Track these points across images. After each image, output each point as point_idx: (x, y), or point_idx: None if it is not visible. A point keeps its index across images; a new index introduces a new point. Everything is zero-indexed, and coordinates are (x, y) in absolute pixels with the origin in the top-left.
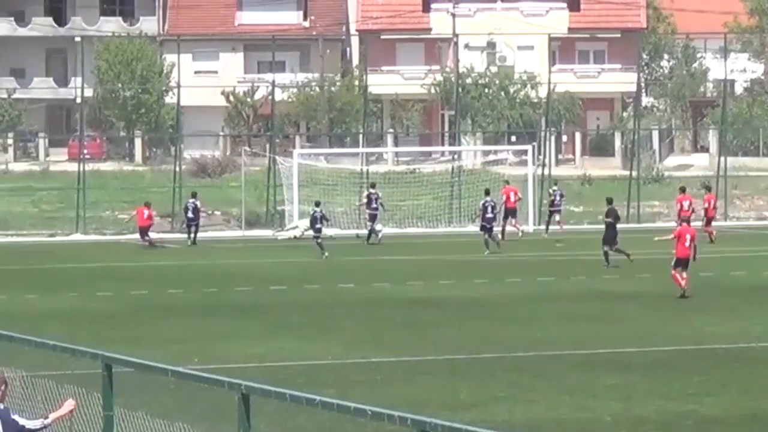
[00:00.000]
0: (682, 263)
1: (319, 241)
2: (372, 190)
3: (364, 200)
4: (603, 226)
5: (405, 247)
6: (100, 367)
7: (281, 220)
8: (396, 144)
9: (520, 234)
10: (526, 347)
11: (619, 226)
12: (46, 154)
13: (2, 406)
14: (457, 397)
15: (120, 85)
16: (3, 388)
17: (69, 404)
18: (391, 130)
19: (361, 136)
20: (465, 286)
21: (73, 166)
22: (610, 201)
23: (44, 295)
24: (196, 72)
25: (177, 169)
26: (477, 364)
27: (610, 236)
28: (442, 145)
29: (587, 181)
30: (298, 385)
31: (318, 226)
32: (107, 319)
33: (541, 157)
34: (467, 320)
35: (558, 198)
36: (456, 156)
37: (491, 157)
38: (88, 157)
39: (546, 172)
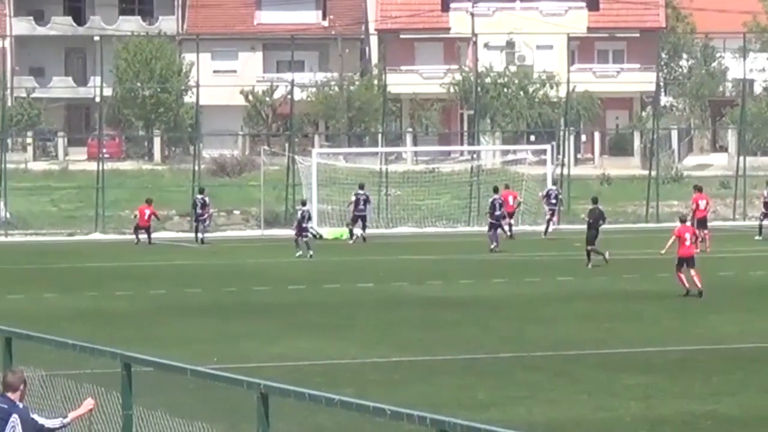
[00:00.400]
0: (685, 261)
1: (306, 240)
2: (360, 192)
3: (353, 199)
4: (624, 226)
5: (424, 247)
6: (119, 366)
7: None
8: (415, 143)
9: (507, 235)
10: (546, 347)
11: (638, 225)
12: (65, 154)
13: (21, 405)
14: (476, 396)
15: (139, 84)
16: (22, 387)
17: (88, 403)
18: (410, 130)
19: (380, 135)
20: (484, 285)
21: (92, 166)
22: (594, 200)
23: (63, 295)
24: (215, 71)
25: (196, 168)
26: (496, 363)
27: (591, 235)
28: (461, 144)
29: (606, 180)
30: (316, 385)
31: (305, 225)
32: (126, 318)
33: (560, 157)
34: (486, 320)
35: (554, 197)
36: (475, 155)
37: (510, 157)
38: (107, 156)
39: (565, 171)
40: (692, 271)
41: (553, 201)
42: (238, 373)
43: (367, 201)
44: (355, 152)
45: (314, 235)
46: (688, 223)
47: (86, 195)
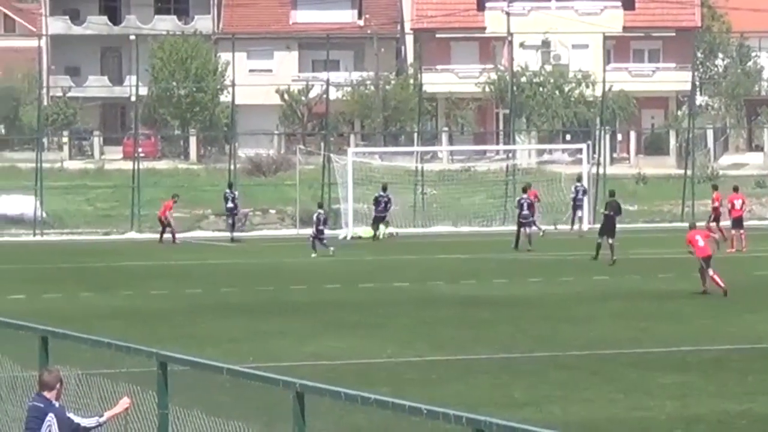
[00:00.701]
0: (705, 262)
1: (325, 241)
2: (382, 193)
3: (373, 201)
4: (659, 225)
5: (459, 246)
6: (155, 365)
7: (336, 219)
8: (450, 142)
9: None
10: (581, 346)
11: (673, 224)
12: (101, 153)
13: (57, 405)
14: (512, 395)
15: (174, 83)
16: (58, 386)
17: (124, 402)
18: (446, 129)
19: (415, 134)
20: (519, 284)
21: (127, 165)
22: (612, 193)
23: (99, 294)
24: (250, 70)
25: (232, 167)
26: (531, 362)
27: (607, 227)
28: (497, 143)
29: (642, 180)
30: (352, 384)
31: (321, 227)
32: (162, 317)
33: (596, 156)
34: (521, 319)
35: (580, 194)
36: (510, 155)
37: (546, 156)
38: (142, 155)
39: (601, 171)
40: (710, 271)
41: (580, 198)
42: (273, 372)
43: (388, 203)
44: (391, 151)
45: (353, 237)
46: (700, 225)
47: (122, 194)
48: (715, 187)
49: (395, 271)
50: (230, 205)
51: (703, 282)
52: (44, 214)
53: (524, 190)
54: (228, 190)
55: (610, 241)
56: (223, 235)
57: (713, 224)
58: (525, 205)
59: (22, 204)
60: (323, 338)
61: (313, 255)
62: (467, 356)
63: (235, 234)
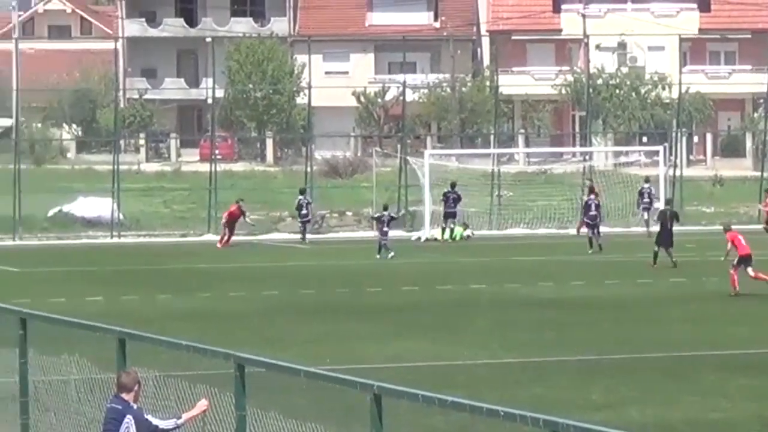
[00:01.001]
0: (744, 261)
1: (387, 243)
2: (450, 190)
3: (441, 199)
4: (736, 227)
5: (536, 248)
6: (233, 367)
7: (413, 221)
8: (527, 144)
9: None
10: (658, 348)
11: (750, 226)
12: (178, 155)
13: (135, 406)
14: (589, 397)
15: (251, 85)
16: (136, 388)
17: (202, 404)
18: (522, 131)
19: (492, 136)
20: (596, 286)
21: (204, 167)
22: (667, 202)
23: (176, 296)
24: (326, 72)
25: (308, 169)
26: (608, 364)
27: (663, 238)
28: (573, 145)
29: (718, 182)
30: (429, 386)
31: (385, 229)
32: (239, 319)
33: (673, 158)
34: (598, 321)
35: (646, 196)
36: (587, 157)
37: (622, 158)
38: (219, 157)
39: (677, 173)
40: (750, 270)
41: (647, 200)
42: (350, 374)
43: (457, 200)
44: (467, 153)
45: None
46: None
47: (198, 196)
48: None
49: (472, 274)
50: (304, 212)
51: (734, 284)
52: (121, 216)
53: (591, 191)
54: (301, 197)
55: (669, 250)
56: (299, 237)
57: None
58: (593, 206)
59: (100, 206)
60: (400, 340)
61: (377, 256)
62: (544, 358)
63: (309, 236)
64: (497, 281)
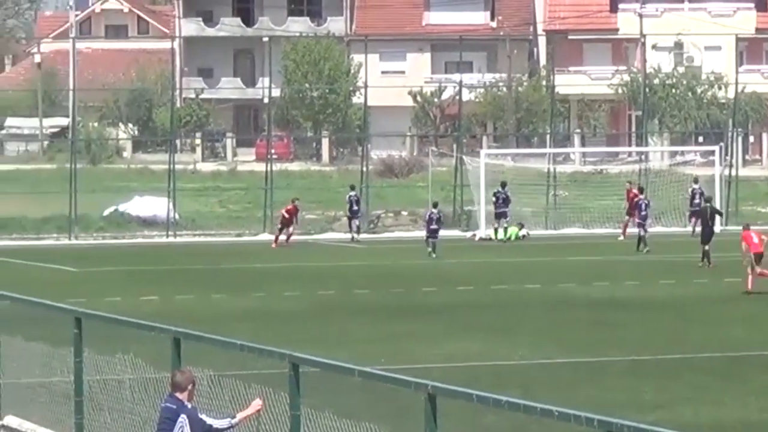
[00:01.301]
0: (756, 258)
1: (434, 241)
2: (500, 189)
3: (493, 199)
4: None
5: (591, 248)
6: (287, 367)
7: (468, 221)
8: (583, 144)
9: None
10: (713, 348)
11: None
12: (234, 154)
13: (190, 406)
14: (643, 397)
15: (307, 85)
16: (190, 387)
17: (256, 404)
18: (578, 131)
19: (548, 136)
20: (651, 286)
21: (260, 166)
22: (707, 200)
23: (231, 295)
24: (383, 72)
25: (364, 169)
26: (662, 364)
27: (704, 234)
28: (629, 145)
29: None
30: (484, 386)
31: (433, 227)
32: (294, 319)
33: (728, 158)
34: (653, 321)
35: (698, 197)
36: (643, 157)
37: (678, 158)
38: (275, 157)
39: (733, 173)
40: (758, 268)
41: (697, 201)
42: (405, 374)
43: (506, 200)
44: (523, 153)
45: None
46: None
47: (254, 196)
48: None
49: (527, 273)
50: (355, 207)
51: (746, 282)
52: (177, 216)
53: (641, 191)
54: (352, 192)
55: (706, 247)
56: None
57: None
58: (642, 205)
59: (156, 205)
60: (455, 340)
61: (433, 255)
62: (598, 358)
63: (364, 236)
64: (552, 281)
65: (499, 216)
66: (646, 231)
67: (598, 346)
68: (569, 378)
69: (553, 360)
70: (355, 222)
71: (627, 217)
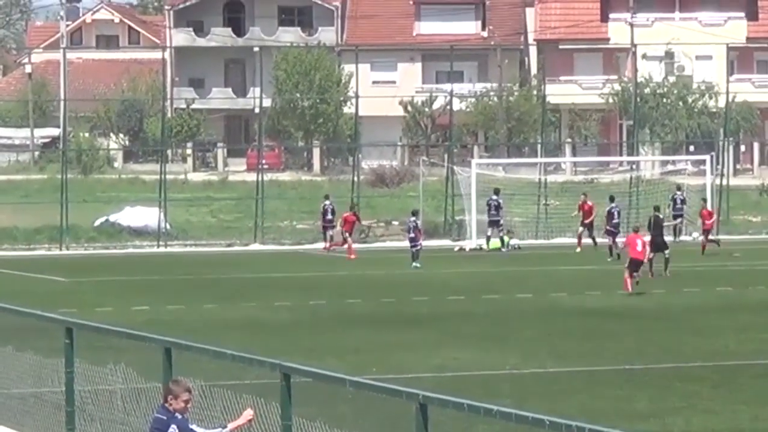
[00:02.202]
0: (633, 264)
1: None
2: (494, 197)
3: (486, 207)
4: None
5: (582, 257)
6: (279, 376)
7: (459, 230)
8: (574, 154)
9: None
10: (705, 357)
11: None
12: (225, 164)
13: (181, 416)
14: (635, 407)
15: (298, 95)
16: (186, 397)
17: (247, 414)
18: (569, 140)
19: (539, 145)
20: (643, 296)
21: (251, 176)
22: (656, 209)
23: (222, 305)
24: (374, 82)
25: (355, 179)
26: (655, 374)
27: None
28: (621, 155)
29: (765, 190)
30: (475, 395)
31: (411, 235)
32: (285, 329)
33: (720, 167)
34: (645, 330)
35: (679, 203)
36: (634, 166)
37: (669, 168)
38: (266, 167)
39: (724, 182)
40: (635, 275)
41: (678, 206)
42: (396, 384)
43: (498, 207)
44: (514, 162)
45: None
46: (641, 232)
47: (245, 205)
48: None
49: (518, 283)
50: (329, 217)
51: (628, 287)
52: (168, 226)
53: (612, 200)
54: (327, 202)
55: (659, 253)
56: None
57: None
58: (615, 213)
59: (146, 215)
60: (446, 350)
61: (415, 265)
62: (590, 368)
63: (356, 246)
64: (544, 290)
65: (493, 224)
66: (615, 240)
67: (590, 355)
68: (561, 387)
69: (545, 369)
70: (329, 232)
71: (581, 228)
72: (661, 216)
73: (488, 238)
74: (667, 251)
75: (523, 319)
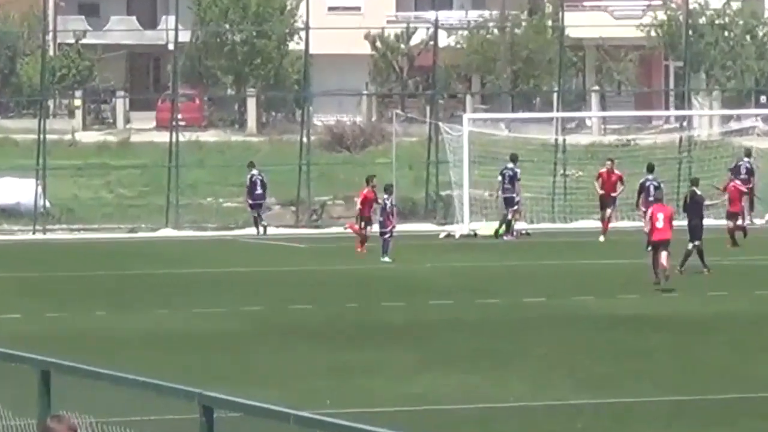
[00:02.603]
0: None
1: (387, 240)
2: (509, 165)
3: (499, 179)
4: None
5: (616, 247)
6: (198, 410)
7: (446, 211)
8: (603, 107)
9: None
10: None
11: None
12: (126, 120)
13: None
14: None
15: (227, 26)
16: None
17: None
18: (597, 88)
19: (555, 95)
20: (695, 299)
21: (162, 137)
22: (694, 182)
23: (121, 313)
24: (330, 9)
25: (304, 140)
26: (710, 407)
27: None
28: (666, 108)
29: None
30: None
31: (380, 219)
32: (209, 344)
33: None
34: (697, 347)
35: (745, 173)
36: (685, 123)
37: (733, 125)
38: (183, 123)
39: None
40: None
41: (743, 177)
42: (358, 420)
43: (514, 178)
44: (522, 118)
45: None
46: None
47: (154, 176)
48: None
49: (527, 282)
50: (258, 191)
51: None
52: (48, 204)
53: (650, 170)
54: (254, 171)
55: (696, 243)
56: (293, 232)
57: None
58: (651, 188)
59: (19, 190)
60: (428, 374)
61: (385, 259)
62: (625, 399)
63: (305, 231)
64: (561, 293)
65: (508, 203)
66: None
67: (624, 381)
68: (586, 425)
69: (563, 401)
70: (257, 210)
71: (609, 210)
72: (699, 193)
73: (508, 222)
74: (697, 242)
75: (532, 331)
